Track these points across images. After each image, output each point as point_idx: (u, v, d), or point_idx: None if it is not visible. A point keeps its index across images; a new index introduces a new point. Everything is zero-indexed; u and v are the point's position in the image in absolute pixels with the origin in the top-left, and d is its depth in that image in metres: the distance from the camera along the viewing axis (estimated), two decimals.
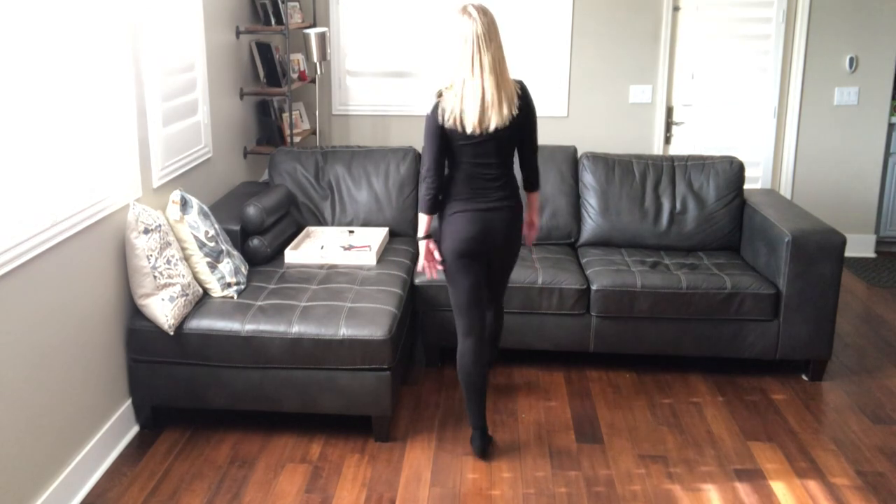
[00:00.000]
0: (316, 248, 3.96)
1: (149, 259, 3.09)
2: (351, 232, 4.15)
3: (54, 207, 2.70)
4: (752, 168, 5.27)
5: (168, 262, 3.15)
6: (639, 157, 4.32)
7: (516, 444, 3.24)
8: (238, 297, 3.37)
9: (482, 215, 2.93)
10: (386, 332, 3.15)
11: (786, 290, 3.67)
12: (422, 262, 3.08)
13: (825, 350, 3.74)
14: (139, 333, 3.18)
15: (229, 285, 3.38)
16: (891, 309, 4.67)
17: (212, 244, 3.38)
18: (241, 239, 3.74)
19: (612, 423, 3.41)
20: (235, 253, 3.57)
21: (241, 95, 4.65)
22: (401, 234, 4.25)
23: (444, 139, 2.89)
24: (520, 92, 2.88)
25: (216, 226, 3.50)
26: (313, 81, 5.24)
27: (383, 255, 3.91)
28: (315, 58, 4.89)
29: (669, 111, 5.37)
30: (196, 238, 3.32)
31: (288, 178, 4.27)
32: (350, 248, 3.94)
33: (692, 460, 3.15)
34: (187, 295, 3.20)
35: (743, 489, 2.97)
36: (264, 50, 4.81)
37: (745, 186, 4.27)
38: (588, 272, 3.85)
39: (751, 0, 5.18)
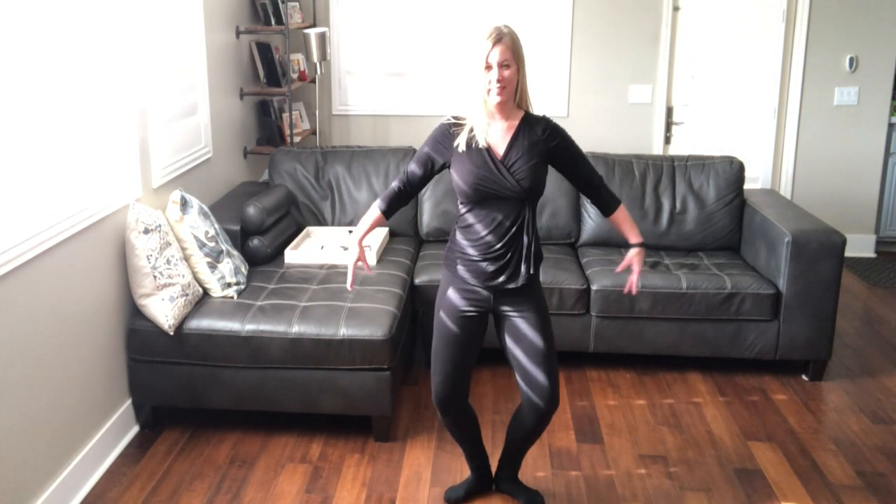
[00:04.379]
0: (316, 248, 3.96)
1: (149, 259, 3.09)
2: (351, 232, 4.15)
3: (54, 207, 2.70)
4: (752, 168, 5.27)
5: (168, 262, 3.15)
6: (639, 157, 4.31)
7: None
8: (238, 297, 3.37)
9: None
10: (386, 332, 3.15)
11: (786, 290, 3.67)
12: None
13: (825, 350, 3.74)
14: (139, 333, 3.17)
15: (229, 285, 3.38)
16: (891, 309, 4.67)
17: (212, 244, 3.38)
18: (241, 239, 3.74)
19: (612, 423, 3.41)
20: (235, 253, 3.57)
21: (241, 95, 4.65)
22: (401, 234, 4.24)
23: None
24: None
25: (216, 226, 3.50)
26: (313, 81, 5.24)
27: (383, 255, 3.91)
28: (315, 58, 4.89)
29: (669, 111, 5.37)
30: (196, 238, 3.32)
31: (288, 178, 4.27)
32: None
33: (692, 460, 3.15)
34: (187, 295, 3.20)
35: (743, 489, 2.97)
36: (264, 50, 4.81)
37: (745, 186, 4.27)
38: (588, 272, 3.85)
39: (751, 0, 5.18)
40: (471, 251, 2.54)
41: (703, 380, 3.80)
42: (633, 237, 2.69)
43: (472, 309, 2.58)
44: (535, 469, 3.07)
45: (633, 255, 2.68)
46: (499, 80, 2.39)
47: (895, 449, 3.23)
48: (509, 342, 2.60)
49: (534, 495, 2.85)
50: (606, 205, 2.68)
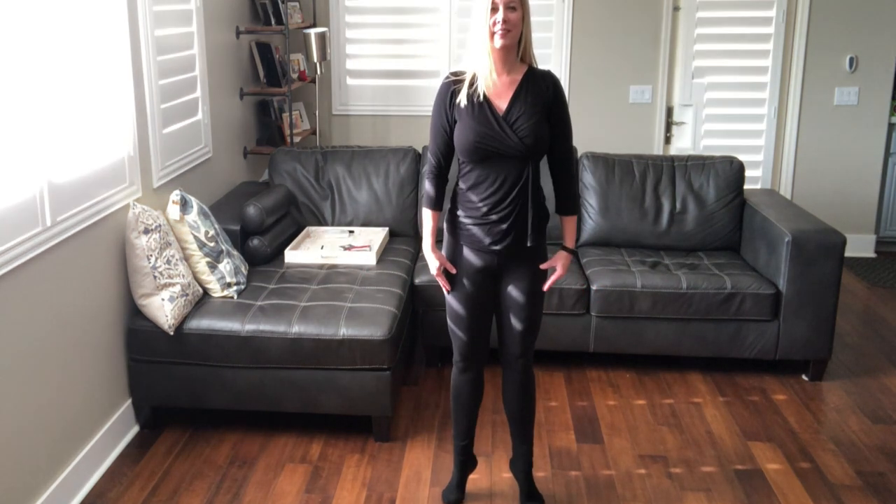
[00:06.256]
0: (316, 248, 3.96)
1: (149, 259, 3.09)
2: (351, 232, 4.15)
3: (54, 207, 2.70)
4: (752, 168, 5.27)
5: (168, 262, 3.15)
6: (639, 157, 4.31)
7: None
8: (238, 297, 3.37)
9: None
10: (386, 332, 3.15)
11: (786, 290, 3.67)
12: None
13: (825, 350, 3.74)
14: (139, 333, 3.17)
15: (229, 285, 3.38)
16: (891, 309, 4.67)
17: (212, 244, 3.38)
18: (241, 239, 3.74)
19: (612, 423, 3.41)
20: (235, 253, 3.57)
21: (241, 95, 4.65)
22: (401, 234, 4.25)
23: None
24: None
25: (216, 226, 3.50)
26: (313, 81, 5.24)
27: (383, 255, 3.91)
28: (315, 58, 4.89)
29: (669, 111, 5.37)
30: (196, 238, 3.32)
31: (288, 178, 4.27)
32: (350, 248, 3.94)
33: (692, 460, 3.15)
34: (187, 295, 3.20)
35: (743, 489, 2.97)
36: (264, 50, 4.81)
37: (745, 186, 4.27)
38: (588, 272, 3.85)
39: (751, 0, 5.18)
40: (477, 214, 2.52)
41: (703, 380, 3.80)
42: (570, 243, 2.68)
43: (482, 267, 2.58)
44: (534, 469, 3.06)
45: (559, 254, 2.65)
46: (504, 21, 2.34)
47: (895, 449, 3.23)
48: (500, 302, 2.64)
49: (532, 495, 2.84)
50: (565, 202, 2.63)
